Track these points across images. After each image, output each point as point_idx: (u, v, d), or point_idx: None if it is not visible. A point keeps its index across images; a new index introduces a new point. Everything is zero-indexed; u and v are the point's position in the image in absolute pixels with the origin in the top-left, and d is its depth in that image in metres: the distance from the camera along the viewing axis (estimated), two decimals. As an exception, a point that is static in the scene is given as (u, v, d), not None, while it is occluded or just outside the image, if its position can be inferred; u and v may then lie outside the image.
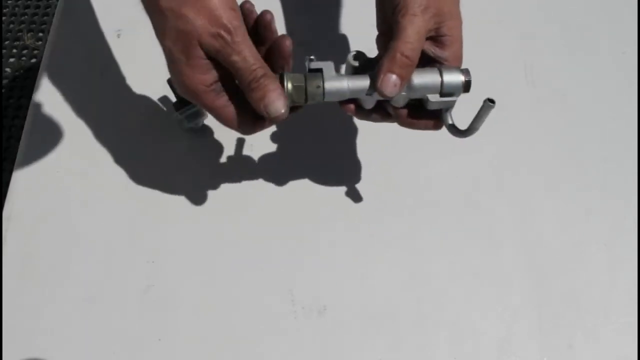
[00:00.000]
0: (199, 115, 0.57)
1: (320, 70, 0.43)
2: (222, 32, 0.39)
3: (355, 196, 0.56)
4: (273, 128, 0.59)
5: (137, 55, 0.62)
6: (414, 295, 0.52)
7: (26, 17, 1.58)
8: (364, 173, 0.57)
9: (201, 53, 0.40)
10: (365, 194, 0.56)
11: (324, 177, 0.56)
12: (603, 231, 0.55)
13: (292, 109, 0.44)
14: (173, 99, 0.56)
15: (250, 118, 0.43)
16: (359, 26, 0.65)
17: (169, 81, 0.56)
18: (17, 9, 1.59)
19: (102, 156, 0.57)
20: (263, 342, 0.49)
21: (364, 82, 0.42)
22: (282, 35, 0.43)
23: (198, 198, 0.55)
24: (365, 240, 0.54)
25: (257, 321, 0.50)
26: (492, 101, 0.41)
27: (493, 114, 0.61)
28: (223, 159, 0.57)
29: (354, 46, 0.64)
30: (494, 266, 0.53)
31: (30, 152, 0.57)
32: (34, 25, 1.56)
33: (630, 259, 0.54)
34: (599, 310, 0.51)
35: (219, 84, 0.42)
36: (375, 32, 0.61)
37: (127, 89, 0.60)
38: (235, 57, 0.40)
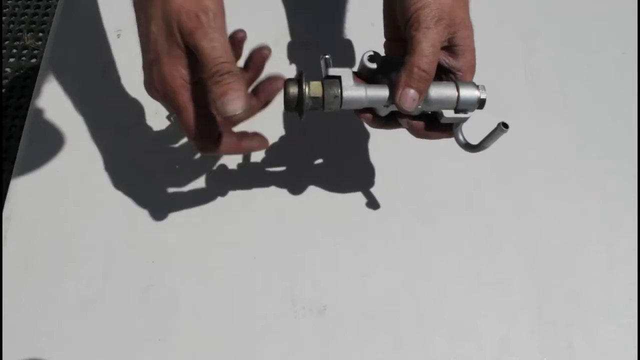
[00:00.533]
0: (199, 115, 0.57)
1: (338, 78, 0.42)
2: (200, 15, 0.37)
3: (355, 196, 0.56)
4: (273, 127, 0.59)
5: (137, 55, 0.61)
6: (414, 295, 0.52)
7: (26, 17, 1.58)
8: (364, 173, 0.57)
9: (179, 39, 0.38)
10: (365, 194, 0.56)
11: (324, 177, 0.56)
12: (603, 231, 0.55)
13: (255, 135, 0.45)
14: (173, 99, 0.56)
15: (214, 130, 0.42)
16: (360, 25, 0.65)
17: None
18: (17, 9, 1.59)
19: (102, 156, 0.57)
20: (263, 341, 0.49)
21: (382, 93, 0.42)
22: (261, 47, 0.44)
23: (198, 198, 0.55)
24: (365, 240, 0.54)
25: (257, 321, 0.50)
26: (505, 126, 0.42)
27: (493, 113, 0.61)
28: (223, 159, 0.57)
29: (356, 45, 0.64)
30: (494, 266, 0.53)
31: (30, 152, 0.57)
32: (34, 25, 1.56)
33: (630, 259, 0.54)
34: (599, 310, 0.51)
35: (197, 88, 0.40)
36: (377, 32, 0.61)
37: (127, 89, 0.60)
38: (204, 43, 0.37)
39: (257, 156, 0.57)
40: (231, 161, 0.57)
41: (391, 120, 0.46)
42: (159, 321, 0.50)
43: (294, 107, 0.42)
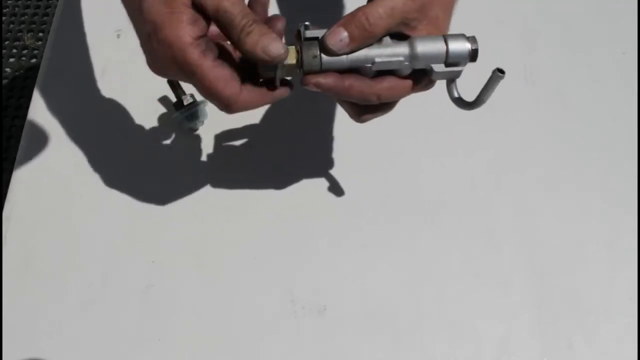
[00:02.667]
0: (199, 115, 0.57)
1: (316, 39, 0.40)
2: None
3: (355, 196, 0.56)
4: (273, 127, 0.59)
5: (137, 55, 0.61)
6: (414, 295, 0.52)
7: (26, 17, 1.58)
8: (364, 173, 0.57)
9: (187, 0, 0.37)
10: (365, 194, 0.56)
11: (324, 178, 0.56)
12: (603, 231, 0.55)
13: (281, 82, 0.42)
14: (173, 99, 0.56)
15: (236, 85, 0.39)
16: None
17: (169, 81, 0.56)
18: (17, 9, 1.59)
19: (102, 156, 0.57)
20: (263, 341, 0.49)
21: (364, 51, 0.40)
22: (275, 16, 0.42)
23: (198, 198, 0.55)
24: (365, 240, 0.54)
25: (257, 321, 0.50)
26: (501, 71, 0.39)
27: (493, 113, 0.61)
28: (223, 159, 0.57)
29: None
30: (494, 266, 0.53)
31: (30, 152, 0.57)
32: (34, 25, 1.56)
33: (630, 259, 0.54)
34: (599, 310, 0.51)
35: (206, 39, 0.38)
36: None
37: (127, 89, 0.60)
38: (225, 2, 0.37)
39: (257, 157, 0.57)
40: (231, 161, 0.57)
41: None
42: (159, 321, 0.50)
43: (268, 73, 0.40)
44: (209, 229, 0.54)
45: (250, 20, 0.37)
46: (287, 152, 0.58)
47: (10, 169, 0.56)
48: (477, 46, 0.40)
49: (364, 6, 0.39)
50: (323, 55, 0.39)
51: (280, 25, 0.42)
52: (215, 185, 0.56)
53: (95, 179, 0.56)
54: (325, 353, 0.49)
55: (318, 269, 0.52)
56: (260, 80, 0.41)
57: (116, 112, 0.59)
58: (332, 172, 0.57)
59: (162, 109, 0.59)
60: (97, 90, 0.60)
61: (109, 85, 0.60)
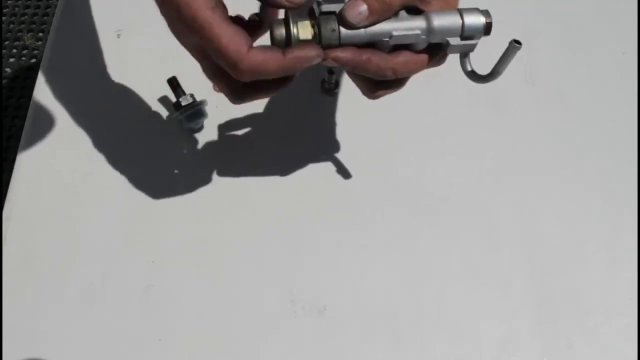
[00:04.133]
0: (199, 115, 0.57)
1: (333, 13, 0.39)
2: None
3: (355, 196, 0.56)
4: (273, 127, 0.59)
5: (137, 55, 0.62)
6: (414, 295, 0.52)
7: (26, 17, 1.58)
8: (364, 173, 0.57)
9: None
10: (365, 194, 0.56)
11: (324, 177, 0.56)
12: (603, 231, 0.55)
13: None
14: (173, 99, 0.56)
15: (246, 42, 0.37)
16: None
17: (169, 81, 0.56)
18: (17, 9, 1.59)
19: (102, 156, 0.57)
20: (263, 341, 0.49)
21: (382, 25, 0.40)
22: None
23: (198, 198, 0.55)
24: (365, 240, 0.54)
25: (257, 321, 0.50)
26: (518, 42, 0.39)
27: (493, 113, 0.61)
28: (223, 159, 0.57)
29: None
30: (493, 266, 0.53)
31: (30, 152, 0.57)
32: (34, 25, 1.56)
33: (630, 259, 0.54)
34: (599, 310, 0.51)
35: (224, 9, 0.37)
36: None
37: (127, 89, 0.60)
38: None
39: (258, 156, 0.57)
40: (231, 161, 0.57)
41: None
42: (159, 321, 0.50)
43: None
44: (209, 229, 0.54)
45: None
46: (288, 152, 0.58)
47: (10, 169, 0.56)
48: (491, 19, 0.41)
49: None
50: (342, 29, 0.39)
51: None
52: (215, 185, 0.56)
53: (95, 179, 0.56)
54: (325, 353, 0.49)
55: (318, 269, 0.52)
56: None
57: (116, 112, 0.59)
58: (333, 172, 0.57)
59: (162, 109, 0.59)
60: (97, 90, 0.60)
61: (109, 85, 0.60)
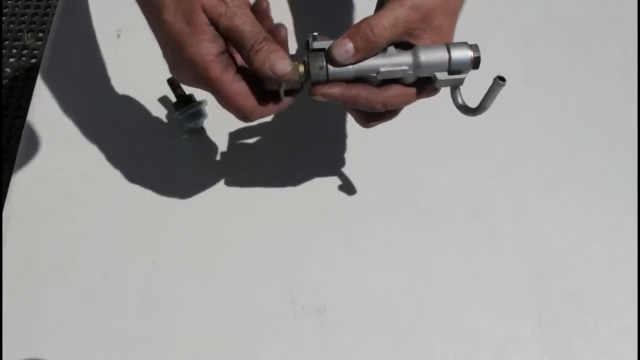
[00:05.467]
0: (199, 115, 0.57)
1: (323, 50, 0.41)
2: None
3: (355, 197, 0.56)
4: (273, 127, 0.59)
5: (137, 55, 0.62)
6: (414, 295, 0.52)
7: (26, 17, 1.58)
8: (364, 174, 0.57)
9: (205, 19, 0.39)
10: (365, 194, 0.56)
11: (324, 178, 0.56)
12: (603, 231, 0.55)
13: (291, 92, 0.43)
14: (173, 99, 0.56)
15: (253, 98, 0.41)
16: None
17: (169, 81, 0.56)
18: (17, 9, 1.59)
19: (102, 156, 0.57)
20: (263, 342, 0.49)
21: (369, 61, 0.41)
22: (279, 24, 0.43)
23: (198, 198, 0.55)
24: (365, 240, 0.54)
25: (257, 321, 0.50)
26: (502, 79, 0.40)
27: (493, 114, 0.61)
28: (223, 159, 0.57)
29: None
30: (494, 266, 0.53)
31: (30, 152, 0.57)
32: (34, 25, 1.56)
33: (630, 259, 0.54)
34: (599, 310, 0.51)
35: (226, 56, 0.40)
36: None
37: (127, 89, 0.60)
38: (237, 21, 0.39)
39: (258, 157, 0.57)
40: (231, 161, 0.57)
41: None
42: (159, 321, 0.50)
43: (272, 86, 0.42)
44: (209, 229, 0.54)
45: (260, 38, 0.39)
46: (288, 152, 0.58)
47: (10, 169, 0.56)
48: (480, 54, 0.41)
49: (368, 17, 0.40)
50: (329, 66, 0.40)
51: (284, 33, 0.43)
52: (215, 185, 0.56)
53: (95, 178, 0.56)
54: (325, 353, 0.49)
55: (318, 269, 0.52)
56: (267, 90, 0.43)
57: (116, 112, 0.59)
58: (333, 172, 0.57)
59: (162, 109, 0.59)
60: (97, 90, 0.60)
61: (108, 85, 0.60)
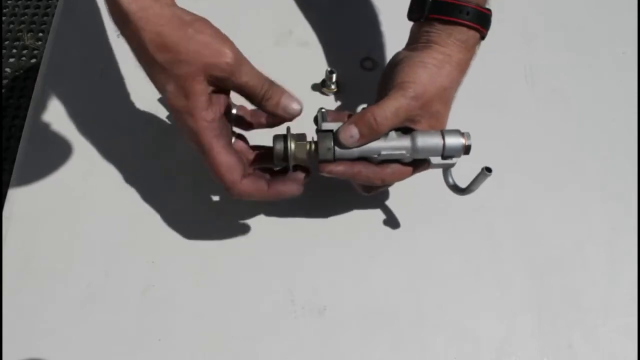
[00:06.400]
0: (199, 115, 0.57)
1: (331, 131, 0.45)
2: (227, 61, 0.42)
3: (355, 197, 0.56)
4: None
5: (137, 55, 0.62)
6: (414, 296, 0.52)
7: (26, 17, 1.58)
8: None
9: (203, 88, 0.42)
10: (365, 194, 0.56)
11: (324, 178, 0.56)
12: (603, 231, 0.55)
13: (299, 168, 0.47)
14: (173, 99, 0.56)
15: (239, 174, 0.44)
16: (360, 25, 0.65)
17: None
18: (17, 9, 1.59)
19: (102, 156, 0.57)
20: (263, 342, 0.49)
21: (371, 144, 0.45)
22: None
23: (198, 198, 0.55)
24: (365, 240, 0.54)
25: (257, 321, 0.50)
26: (489, 170, 0.45)
27: (493, 113, 0.61)
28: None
29: (356, 45, 0.64)
30: (494, 266, 0.53)
31: (30, 152, 0.57)
32: (34, 25, 1.56)
33: (630, 259, 0.54)
34: (599, 310, 0.51)
35: (221, 124, 0.44)
36: (376, 31, 0.61)
37: (127, 89, 0.60)
38: (245, 78, 0.43)
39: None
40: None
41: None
42: (159, 321, 0.50)
43: (282, 160, 0.46)
44: (209, 229, 0.54)
45: (266, 86, 0.44)
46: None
47: (10, 169, 0.56)
48: (471, 142, 0.46)
49: (372, 106, 0.44)
50: (336, 148, 0.45)
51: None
52: (215, 185, 0.56)
53: (95, 178, 0.56)
54: (325, 353, 0.49)
55: (318, 270, 0.52)
56: (276, 169, 0.48)
57: (116, 112, 0.59)
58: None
59: (162, 109, 0.59)
60: (97, 90, 0.60)
61: (108, 85, 0.60)
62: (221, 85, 0.43)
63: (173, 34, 0.41)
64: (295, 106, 0.44)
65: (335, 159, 0.45)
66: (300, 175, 0.47)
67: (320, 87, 0.61)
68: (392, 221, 0.55)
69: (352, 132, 0.44)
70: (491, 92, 0.62)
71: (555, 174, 0.58)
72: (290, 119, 0.45)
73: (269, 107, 0.44)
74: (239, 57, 0.42)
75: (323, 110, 0.46)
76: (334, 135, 0.45)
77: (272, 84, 0.44)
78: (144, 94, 0.60)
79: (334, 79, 0.60)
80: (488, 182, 0.57)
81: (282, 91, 0.44)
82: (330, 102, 0.60)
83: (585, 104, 0.62)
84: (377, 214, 0.55)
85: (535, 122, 0.61)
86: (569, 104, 0.62)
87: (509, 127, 0.60)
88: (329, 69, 0.59)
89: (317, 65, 0.62)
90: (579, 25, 0.67)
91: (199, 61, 0.41)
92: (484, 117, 0.60)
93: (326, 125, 0.45)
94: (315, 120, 0.47)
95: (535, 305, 0.51)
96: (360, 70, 0.62)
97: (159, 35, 0.41)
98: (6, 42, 1.53)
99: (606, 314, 0.51)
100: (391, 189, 0.56)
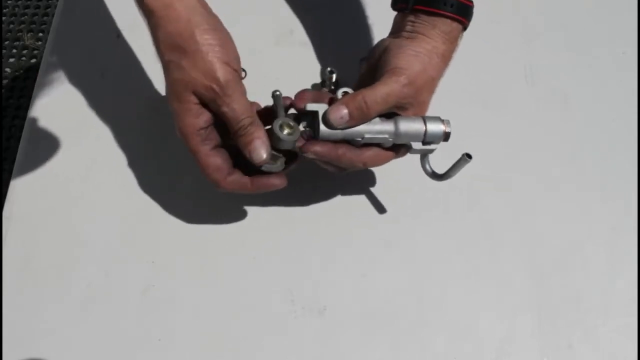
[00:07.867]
0: (199, 115, 0.57)
1: (316, 113, 0.45)
2: (214, 86, 0.43)
3: (355, 197, 0.56)
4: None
5: (137, 55, 0.62)
6: (414, 295, 0.52)
7: (26, 17, 1.58)
8: (363, 173, 0.57)
9: (193, 98, 0.44)
10: (365, 194, 0.56)
11: (324, 178, 0.56)
12: (603, 231, 0.55)
13: (291, 159, 0.47)
14: (173, 99, 0.56)
15: (225, 173, 0.46)
16: (360, 25, 0.65)
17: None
18: (17, 9, 1.59)
19: (102, 156, 0.57)
20: (263, 342, 0.49)
21: (357, 127, 0.46)
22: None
23: (198, 198, 0.55)
24: (365, 240, 0.54)
25: (257, 321, 0.50)
26: (469, 156, 0.45)
27: (493, 113, 0.61)
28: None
29: (356, 45, 0.64)
30: (494, 266, 0.53)
31: (30, 152, 0.57)
32: (34, 25, 1.56)
33: (630, 259, 0.54)
34: (599, 310, 0.51)
35: (208, 131, 0.46)
36: (376, 31, 0.61)
37: (127, 89, 0.60)
38: (225, 109, 0.44)
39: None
40: (231, 161, 0.57)
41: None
42: (159, 321, 0.50)
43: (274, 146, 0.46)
44: (209, 229, 0.54)
45: (245, 122, 0.45)
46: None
47: (10, 169, 0.56)
48: (450, 129, 0.47)
49: (363, 90, 0.45)
50: (322, 127, 0.45)
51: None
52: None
53: (95, 178, 0.56)
54: (325, 353, 0.49)
55: (318, 269, 0.52)
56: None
57: (116, 112, 0.59)
58: (332, 172, 0.57)
59: (162, 109, 0.59)
60: (97, 90, 0.60)
61: (108, 85, 0.60)
62: (205, 103, 0.45)
63: (183, 40, 0.43)
64: (260, 155, 0.45)
65: (320, 139, 0.45)
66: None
67: (320, 87, 0.61)
68: (392, 221, 0.55)
69: (342, 113, 0.44)
70: (491, 92, 0.62)
71: (555, 174, 0.58)
72: (254, 163, 0.46)
73: (239, 143, 0.45)
74: (230, 86, 0.44)
75: (277, 93, 0.46)
76: (323, 115, 0.45)
77: (252, 123, 0.45)
78: (144, 94, 0.60)
79: (334, 79, 0.59)
80: (488, 182, 0.57)
81: (258, 135, 0.45)
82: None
83: (585, 104, 0.62)
84: (378, 215, 0.55)
85: (535, 122, 0.60)
86: (569, 104, 0.62)
87: (508, 127, 0.60)
88: (329, 69, 0.59)
89: (317, 65, 0.62)
90: (579, 25, 0.67)
91: (191, 74, 0.43)
92: (484, 117, 0.60)
93: (311, 106, 0.46)
94: (275, 107, 0.46)
95: (535, 305, 0.51)
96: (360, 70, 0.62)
97: (171, 36, 0.43)
98: (6, 42, 1.53)
99: (606, 314, 0.51)
100: (391, 190, 0.56)
